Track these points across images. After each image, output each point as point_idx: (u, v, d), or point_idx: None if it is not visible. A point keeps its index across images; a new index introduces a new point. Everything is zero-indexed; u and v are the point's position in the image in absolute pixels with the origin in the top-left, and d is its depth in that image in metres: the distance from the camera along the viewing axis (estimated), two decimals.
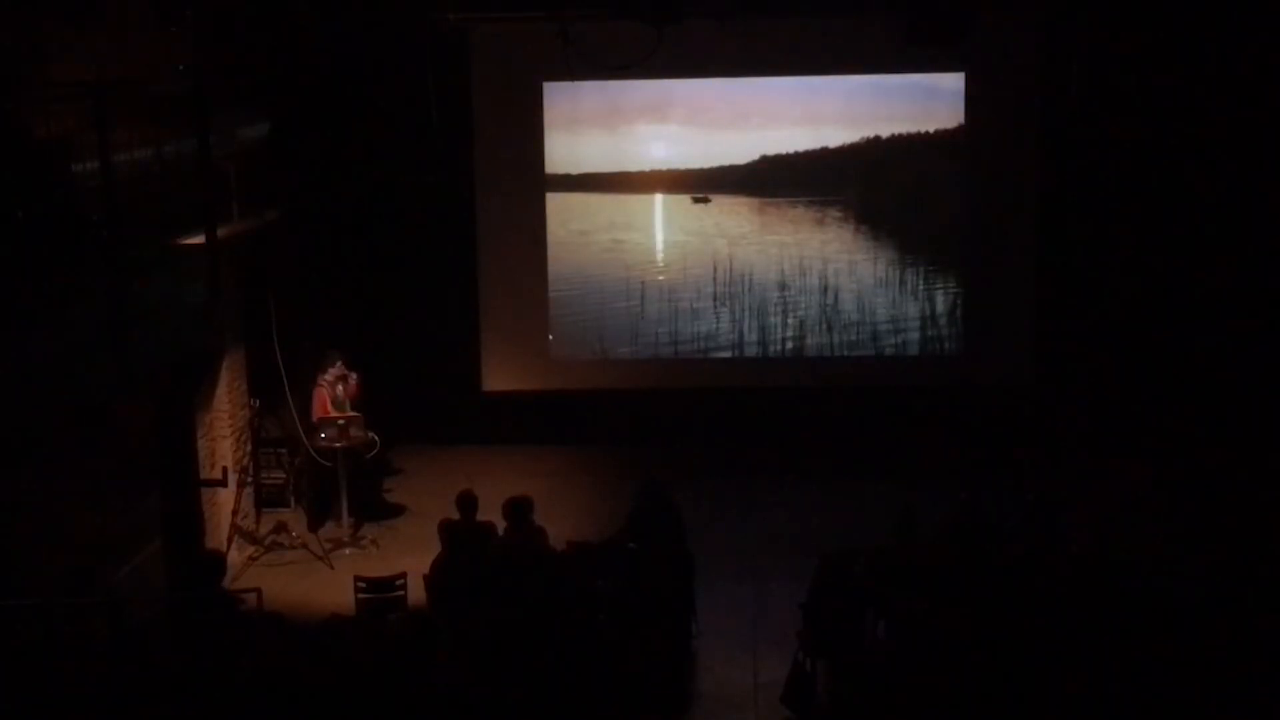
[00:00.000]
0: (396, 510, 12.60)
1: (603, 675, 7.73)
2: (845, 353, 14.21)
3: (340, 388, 11.98)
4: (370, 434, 11.86)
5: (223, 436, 11.33)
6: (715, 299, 14.27)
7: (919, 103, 13.84)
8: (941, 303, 14.19)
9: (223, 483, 11.08)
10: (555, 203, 14.15)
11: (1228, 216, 13.08)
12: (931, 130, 13.87)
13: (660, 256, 14.33)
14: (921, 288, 14.21)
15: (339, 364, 12.00)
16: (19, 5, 8.36)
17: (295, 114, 11.95)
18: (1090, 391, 13.60)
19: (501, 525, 9.46)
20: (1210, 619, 8.01)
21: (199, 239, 8.97)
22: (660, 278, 14.32)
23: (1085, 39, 12.48)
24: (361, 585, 9.55)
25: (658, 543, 9.46)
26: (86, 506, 8.86)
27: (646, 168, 14.16)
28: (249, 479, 11.79)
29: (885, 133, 13.90)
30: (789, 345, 14.30)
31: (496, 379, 14.34)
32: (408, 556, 10.55)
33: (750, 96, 13.96)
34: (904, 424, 13.74)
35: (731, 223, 14.22)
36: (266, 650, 7.56)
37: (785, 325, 14.27)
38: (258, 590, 8.82)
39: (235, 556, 11.09)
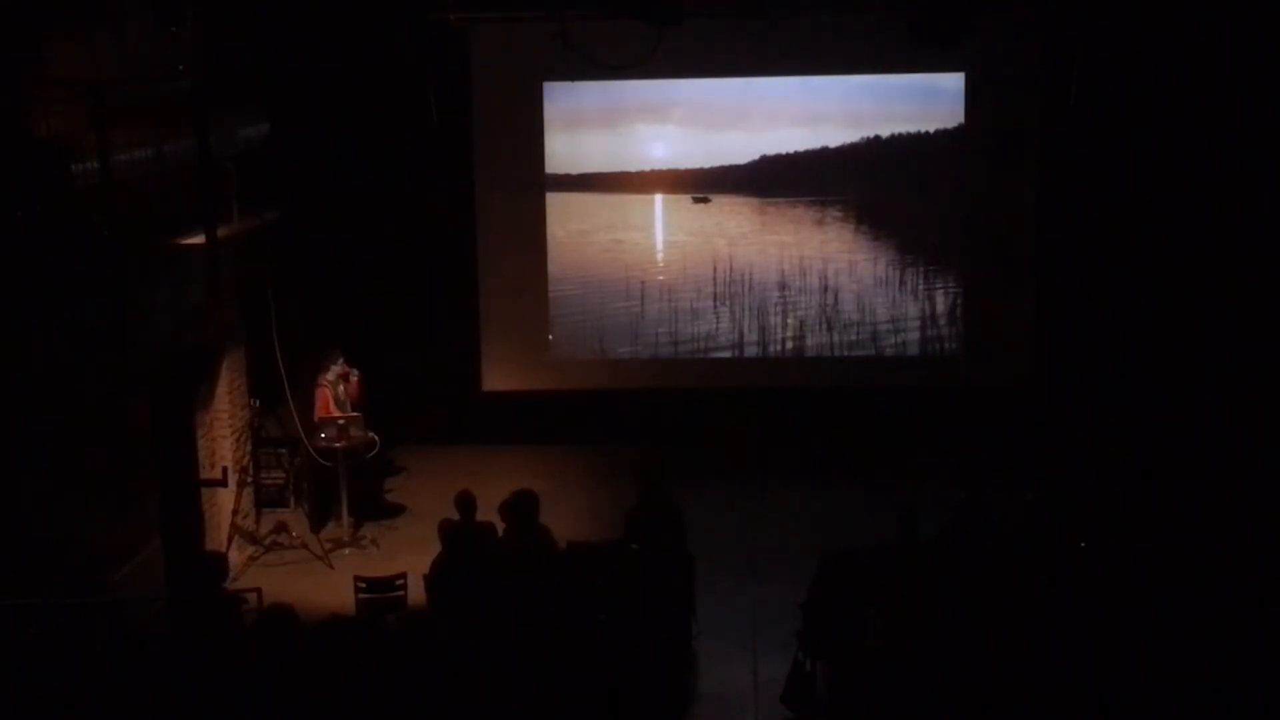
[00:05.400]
0: (396, 510, 12.61)
1: (603, 675, 7.72)
2: (845, 353, 14.21)
3: (342, 386, 11.99)
4: (370, 434, 11.86)
5: (223, 436, 11.33)
6: (715, 299, 14.26)
7: (919, 103, 13.84)
8: (941, 303, 14.18)
9: (223, 483, 11.09)
10: (555, 203, 14.14)
11: (1228, 216, 13.08)
12: (931, 130, 13.86)
13: (660, 256, 14.33)
14: (921, 288, 14.20)
15: (340, 361, 12.01)
16: (19, 4, 8.36)
17: (295, 114, 11.95)
18: (1090, 391, 13.59)
19: (501, 525, 9.45)
20: (1211, 618, 8.00)
21: (199, 239, 8.97)
22: (660, 278, 14.31)
23: (1085, 39, 12.47)
24: (361, 585, 9.55)
25: (658, 543, 9.46)
26: (86, 506, 8.85)
27: (646, 168, 14.15)
28: (249, 479, 11.78)
29: (885, 133, 13.89)
30: (789, 345, 14.29)
31: (496, 379, 14.34)
32: (408, 556, 10.56)
33: (750, 96, 13.95)
34: (904, 424, 13.76)
35: (731, 223, 14.21)
36: (266, 650, 7.55)
37: (785, 325, 14.26)
38: (258, 590, 8.82)
39: (235, 556, 11.09)
